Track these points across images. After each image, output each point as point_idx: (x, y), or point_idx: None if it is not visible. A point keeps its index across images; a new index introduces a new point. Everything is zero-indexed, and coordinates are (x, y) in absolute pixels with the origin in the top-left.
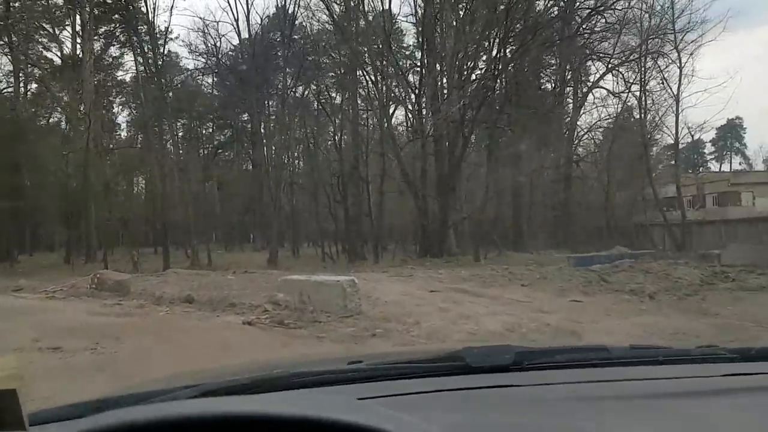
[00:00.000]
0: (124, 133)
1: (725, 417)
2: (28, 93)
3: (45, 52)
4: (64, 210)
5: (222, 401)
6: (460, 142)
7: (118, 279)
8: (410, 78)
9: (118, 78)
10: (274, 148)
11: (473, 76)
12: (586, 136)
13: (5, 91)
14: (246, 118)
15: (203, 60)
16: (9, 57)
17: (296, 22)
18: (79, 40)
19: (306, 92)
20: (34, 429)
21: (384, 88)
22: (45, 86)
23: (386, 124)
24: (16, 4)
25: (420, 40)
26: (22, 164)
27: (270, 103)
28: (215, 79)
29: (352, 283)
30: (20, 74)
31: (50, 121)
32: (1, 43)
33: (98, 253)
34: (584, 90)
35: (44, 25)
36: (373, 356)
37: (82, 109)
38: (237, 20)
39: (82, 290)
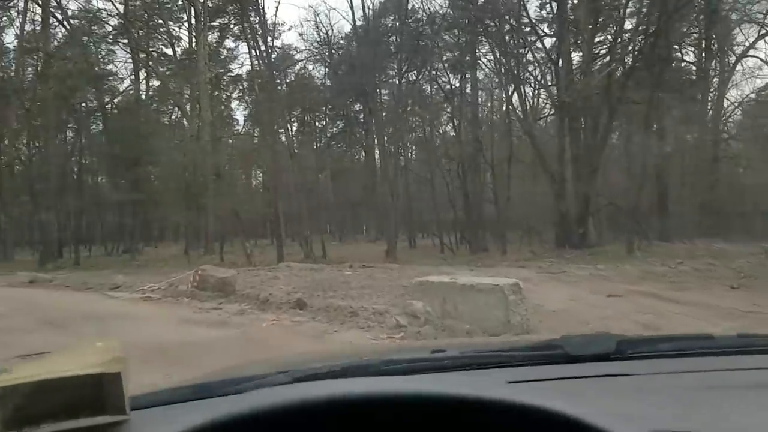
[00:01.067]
0: (241, 128)
1: None
2: (150, 90)
3: (164, 49)
4: (184, 202)
5: (353, 383)
6: (604, 115)
7: (222, 277)
8: (536, 52)
9: (234, 72)
10: (386, 137)
11: (612, 44)
12: (736, 110)
13: (128, 89)
14: (358, 108)
15: (316, 49)
16: (130, 55)
17: (410, 5)
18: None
19: (420, 76)
20: (135, 414)
21: (512, 62)
22: (164, 82)
23: (514, 101)
24: (137, 3)
25: (551, 7)
26: (146, 159)
27: (382, 91)
28: (327, 69)
29: (516, 289)
30: (141, 72)
31: (172, 117)
32: (124, 41)
33: (216, 244)
34: (732, 59)
35: (161, 21)
36: (454, 345)
37: (198, 103)
38: (352, 6)
39: (182, 289)
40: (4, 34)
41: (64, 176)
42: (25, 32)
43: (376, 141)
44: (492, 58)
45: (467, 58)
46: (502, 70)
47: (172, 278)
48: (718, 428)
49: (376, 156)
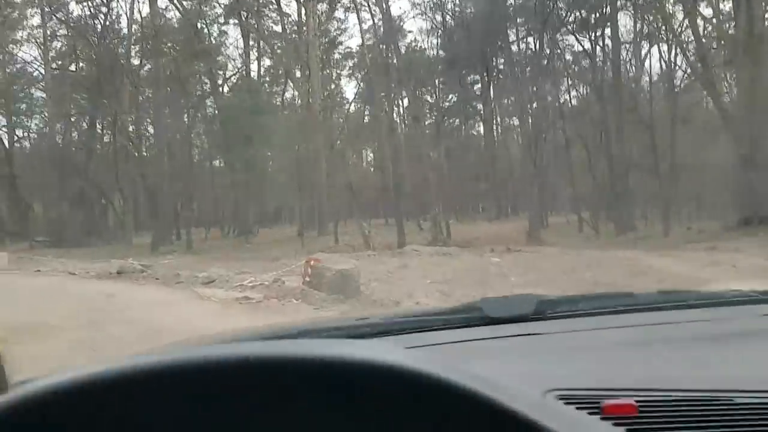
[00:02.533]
0: (351, 107)
1: (761, 356)
2: (261, 69)
3: (273, 27)
4: (297, 180)
5: (244, 346)
6: None
7: (341, 269)
8: None
9: (344, 46)
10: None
11: None
12: None
13: (240, 69)
14: (474, 78)
15: (429, 19)
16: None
17: None
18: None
19: (544, 38)
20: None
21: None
22: (275, 60)
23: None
24: None
25: None
26: (259, 139)
27: (499, 60)
28: (440, 40)
29: None
30: (253, 51)
31: (284, 96)
32: (234, 22)
33: (330, 225)
34: None
35: None
36: (379, 315)
37: (308, 75)
38: None
39: (291, 286)
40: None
41: (179, 159)
42: (136, 14)
43: (495, 111)
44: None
45: (605, 10)
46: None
47: (280, 269)
48: (624, 382)
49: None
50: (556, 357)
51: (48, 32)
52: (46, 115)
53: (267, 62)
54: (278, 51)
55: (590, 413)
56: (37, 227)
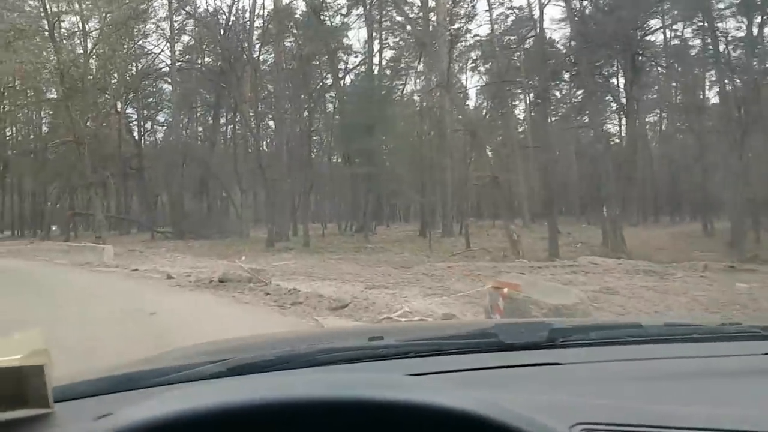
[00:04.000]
0: (471, 102)
1: (766, 397)
2: (383, 62)
3: (396, 17)
4: (420, 178)
5: (260, 381)
6: None
7: (560, 304)
8: None
9: (473, 35)
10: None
11: None
12: None
13: (362, 62)
14: (611, 71)
15: (562, 6)
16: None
17: None
18: None
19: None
20: (59, 406)
21: None
22: (398, 51)
23: None
24: None
25: None
26: (380, 134)
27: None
28: (574, 28)
29: None
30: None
31: (404, 91)
32: (358, 13)
33: (453, 225)
34: None
35: None
36: (393, 331)
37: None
38: None
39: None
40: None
41: (298, 152)
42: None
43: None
44: None
45: None
46: None
47: (431, 286)
48: (642, 418)
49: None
50: (574, 389)
51: (175, 26)
52: (172, 108)
53: (387, 54)
54: (401, 42)
55: None
56: (162, 218)
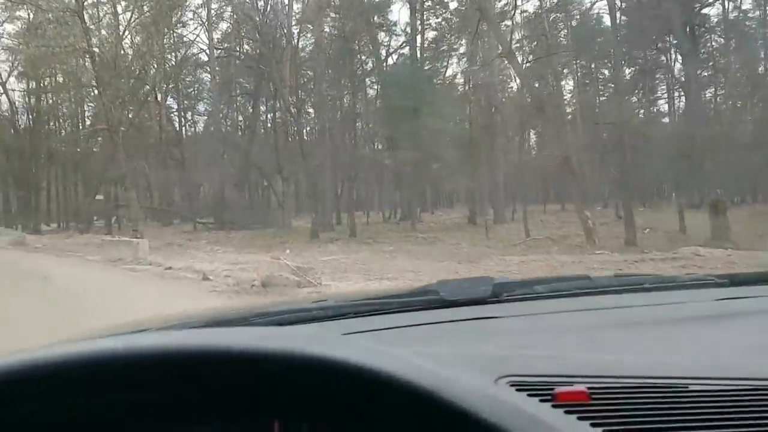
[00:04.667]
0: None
1: (716, 341)
2: (425, 43)
3: None
4: (468, 161)
5: (180, 335)
6: None
7: None
8: None
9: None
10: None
11: None
12: None
13: (403, 44)
14: (664, 47)
15: None
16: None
17: None
18: None
19: None
20: None
21: None
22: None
23: None
24: None
25: None
26: (424, 118)
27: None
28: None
29: None
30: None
31: (446, 74)
32: None
33: (505, 212)
34: None
35: None
36: (338, 296)
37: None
38: None
39: None
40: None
41: (340, 139)
42: None
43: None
44: None
45: None
46: None
47: None
48: (578, 368)
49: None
50: (510, 342)
51: (213, 14)
52: (212, 97)
53: (429, 36)
54: (443, 23)
55: (542, 401)
56: (203, 208)
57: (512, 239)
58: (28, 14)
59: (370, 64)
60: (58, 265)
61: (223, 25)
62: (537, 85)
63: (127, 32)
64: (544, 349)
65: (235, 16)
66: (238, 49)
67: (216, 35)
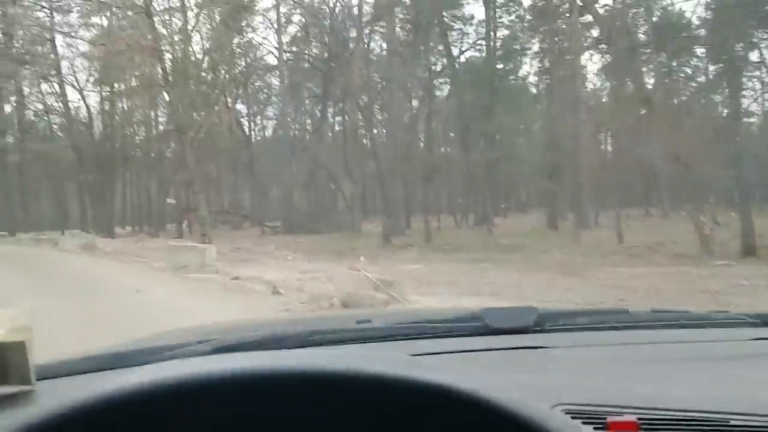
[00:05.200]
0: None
1: (754, 380)
2: (498, 41)
3: None
4: (546, 162)
5: (252, 356)
6: None
7: None
8: None
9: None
10: None
11: None
12: None
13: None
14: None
15: None
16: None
17: None
18: None
19: None
20: (42, 384)
21: None
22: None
23: None
24: None
25: None
26: (500, 116)
27: None
28: None
29: None
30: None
31: (519, 73)
32: None
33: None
34: None
35: None
36: (381, 315)
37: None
38: None
39: None
40: None
41: (409, 142)
42: None
43: None
44: None
45: None
46: None
47: None
48: (626, 399)
49: None
50: (558, 371)
51: (282, 18)
52: (280, 100)
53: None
54: (516, 20)
55: (596, 428)
56: (271, 212)
57: (605, 247)
58: (101, 19)
59: (439, 66)
60: (119, 273)
61: (292, 29)
62: (615, 82)
63: (197, 36)
64: (591, 380)
65: (304, 20)
66: (306, 51)
67: (285, 38)
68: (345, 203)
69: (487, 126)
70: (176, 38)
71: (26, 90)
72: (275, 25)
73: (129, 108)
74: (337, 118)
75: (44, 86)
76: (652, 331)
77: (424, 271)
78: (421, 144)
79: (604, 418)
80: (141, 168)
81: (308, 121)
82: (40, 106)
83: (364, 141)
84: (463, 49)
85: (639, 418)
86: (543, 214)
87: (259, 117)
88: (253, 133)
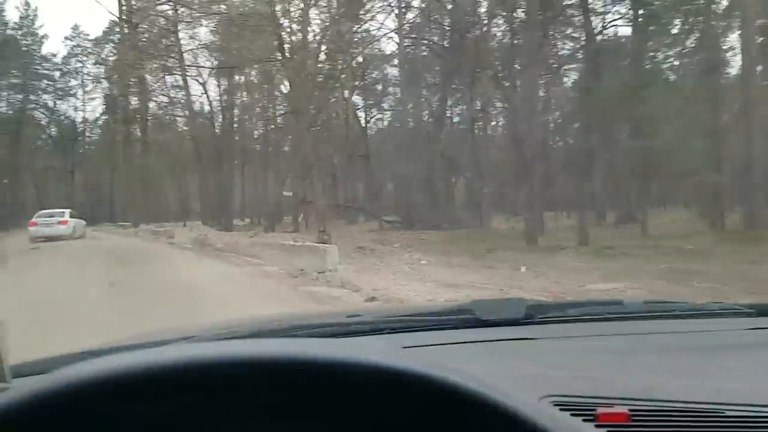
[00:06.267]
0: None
1: (748, 370)
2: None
3: None
4: (710, 150)
5: (226, 344)
6: None
7: None
8: None
9: None
10: None
11: None
12: None
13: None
14: None
15: None
16: None
17: None
18: None
19: None
20: (18, 381)
21: None
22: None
23: None
24: None
25: None
26: (652, 99)
27: None
28: None
29: None
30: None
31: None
32: None
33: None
34: None
35: None
36: (372, 311)
37: None
38: None
39: None
40: None
41: (540, 130)
42: None
43: None
44: None
45: None
46: None
47: None
48: (617, 390)
49: None
50: (548, 362)
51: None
52: (398, 91)
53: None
54: None
55: (585, 420)
56: (386, 205)
57: None
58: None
59: (564, 50)
60: (224, 281)
61: (409, 15)
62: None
63: (316, 29)
64: (581, 371)
65: (423, 5)
66: (427, 37)
67: (405, 26)
68: (464, 197)
69: (634, 112)
70: (294, 26)
71: (151, 82)
72: (395, 10)
73: (248, 101)
74: (454, 109)
75: (168, 78)
76: (645, 321)
77: (625, 288)
78: (555, 133)
79: (594, 410)
80: (258, 160)
81: (425, 112)
82: (165, 99)
83: (487, 131)
84: (606, 25)
85: (630, 410)
86: (685, 211)
87: (375, 109)
88: (368, 124)
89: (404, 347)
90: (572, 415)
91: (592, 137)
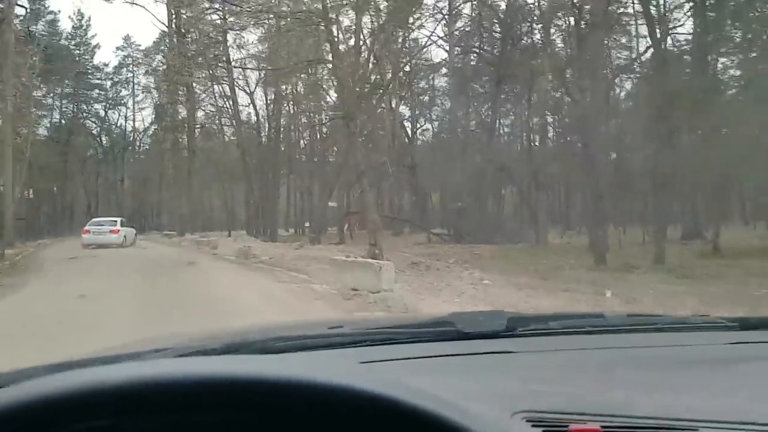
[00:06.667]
0: None
1: (727, 386)
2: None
3: None
4: None
5: (194, 362)
6: None
7: None
8: None
9: None
10: None
11: None
12: None
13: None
14: None
15: None
16: None
17: None
18: None
19: None
20: None
21: None
22: None
23: None
24: None
25: None
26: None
27: None
28: None
29: None
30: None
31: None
32: None
33: None
34: None
35: None
36: (353, 321)
37: None
38: None
39: None
40: None
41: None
42: None
43: None
44: None
45: None
46: None
47: None
48: (592, 406)
49: None
50: (526, 377)
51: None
52: (446, 101)
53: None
54: None
55: None
56: (432, 217)
57: None
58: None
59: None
60: (269, 303)
61: (459, 24)
62: None
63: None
64: (558, 386)
65: (474, 13)
66: (478, 45)
67: (455, 33)
68: (513, 209)
69: (700, 121)
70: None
71: (199, 91)
72: (445, 18)
73: (295, 111)
74: (504, 120)
75: (216, 88)
76: (627, 335)
77: None
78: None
79: (567, 426)
80: (304, 170)
81: (473, 122)
82: (212, 108)
83: (539, 143)
84: (669, 30)
85: (603, 426)
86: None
87: (422, 118)
88: (415, 135)
89: (365, 362)
90: (544, 431)
91: (665, 148)
